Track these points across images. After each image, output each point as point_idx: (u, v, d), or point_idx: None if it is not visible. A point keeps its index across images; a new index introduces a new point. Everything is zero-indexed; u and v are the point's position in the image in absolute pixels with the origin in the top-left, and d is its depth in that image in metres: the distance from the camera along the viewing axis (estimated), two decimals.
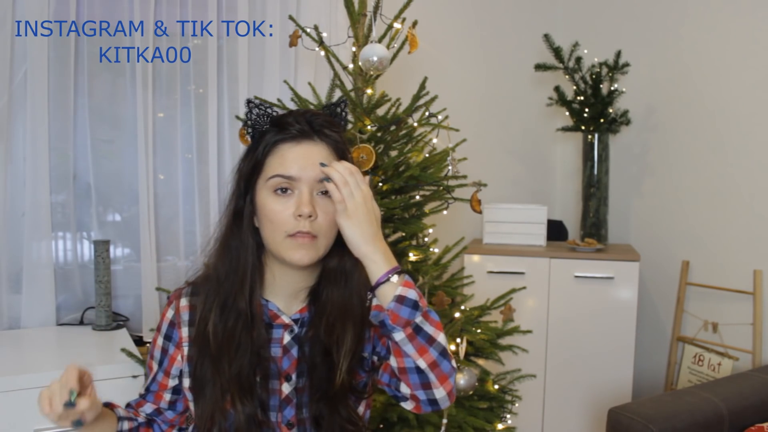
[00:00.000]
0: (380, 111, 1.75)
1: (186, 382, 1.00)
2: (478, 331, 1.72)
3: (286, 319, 0.99)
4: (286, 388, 0.97)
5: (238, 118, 0.98)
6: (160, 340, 1.03)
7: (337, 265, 0.98)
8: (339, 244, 0.95)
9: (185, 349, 1.00)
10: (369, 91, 1.73)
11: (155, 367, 1.04)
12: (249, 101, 0.96)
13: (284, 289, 1.00)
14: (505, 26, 2.94)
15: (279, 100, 1.85)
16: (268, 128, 0.96)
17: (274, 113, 0.97)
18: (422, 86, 1.69)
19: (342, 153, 0.97)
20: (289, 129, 0.93)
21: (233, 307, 0.96)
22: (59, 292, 1.94)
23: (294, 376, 0.97)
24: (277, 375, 0.97)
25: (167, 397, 1.04)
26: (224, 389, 0.93)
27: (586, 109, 2.64)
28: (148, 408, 1.05)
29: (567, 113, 2.72)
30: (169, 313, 1.02)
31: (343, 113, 1.02)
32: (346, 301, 0.97)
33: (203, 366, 0.95)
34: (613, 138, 2.77)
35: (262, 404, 0.95)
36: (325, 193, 0.92)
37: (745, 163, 2.37)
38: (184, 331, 1.00)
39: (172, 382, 1.03)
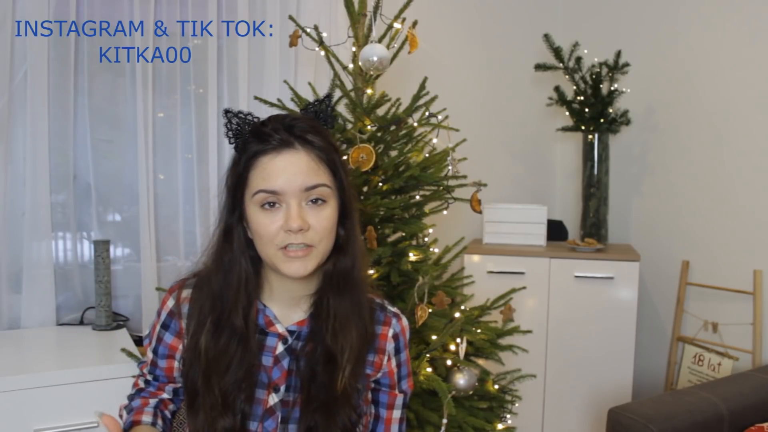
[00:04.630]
0: (380, 111, 1.75)
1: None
2: (478, 331, 1.71)
3: (280, 329, 0.97)
4: (272, 399, 0.94)
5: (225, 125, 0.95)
6: (158, 329, 1.03)
7: (335, 269, 0.95)
8: (335, 247, 0.94)
9: (186, 340, 0.99)
10: (369, 91, 1.73)
11: (151, 355, 1.03)
12: (227, 111, 0.93)
13: (283, 297, 0.98)
14: (505, 26, 2.94)
15: (279, 100, 1.85)
16: (248, 139, 0.92)
17: (254, 120, 0.93)
18: (422, 86, 1.69)
19: (328, 158, 0.92)
20: (269, 140, 0.89)
21: (227, 324, 0.94)
22: (59, 292, 1.94)
23: (282, 388, 0.95)
24: (265, 385, 0.95)
25: (177, 375, 1.03)
26: (213, 406, 0.91)
27: (586, 109, 2.64)
28: (168, 390, 1.05)
29: (567, 113, 2.72)
30: (170, 302, 1.00)
31: (329, 109, 0.97)
32: (347, 306, 0.95)
33: (194, 375, 0.94)
34: (613, 138, 2.77)
35: (244, 414, 0.93)
36: (315, 201, 0.89)
37: (746, 163, 2.37)
38: (185, 323, 0.99)
39: (177, 364, 1.02)
